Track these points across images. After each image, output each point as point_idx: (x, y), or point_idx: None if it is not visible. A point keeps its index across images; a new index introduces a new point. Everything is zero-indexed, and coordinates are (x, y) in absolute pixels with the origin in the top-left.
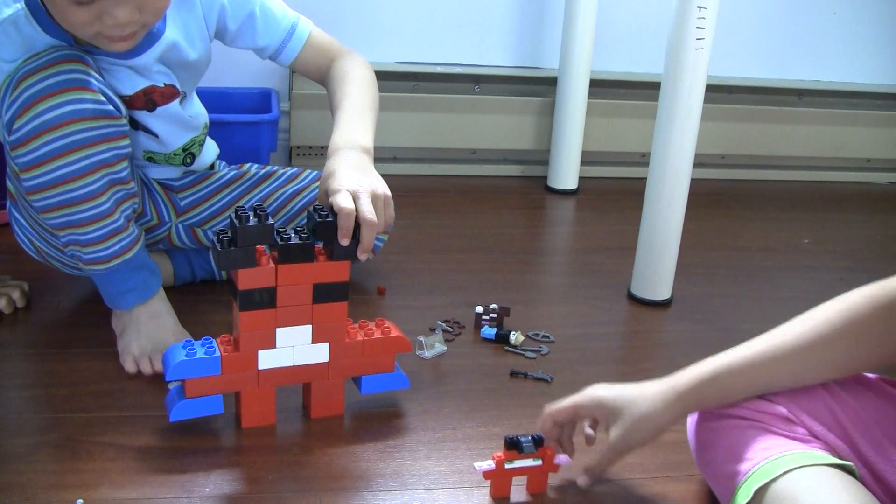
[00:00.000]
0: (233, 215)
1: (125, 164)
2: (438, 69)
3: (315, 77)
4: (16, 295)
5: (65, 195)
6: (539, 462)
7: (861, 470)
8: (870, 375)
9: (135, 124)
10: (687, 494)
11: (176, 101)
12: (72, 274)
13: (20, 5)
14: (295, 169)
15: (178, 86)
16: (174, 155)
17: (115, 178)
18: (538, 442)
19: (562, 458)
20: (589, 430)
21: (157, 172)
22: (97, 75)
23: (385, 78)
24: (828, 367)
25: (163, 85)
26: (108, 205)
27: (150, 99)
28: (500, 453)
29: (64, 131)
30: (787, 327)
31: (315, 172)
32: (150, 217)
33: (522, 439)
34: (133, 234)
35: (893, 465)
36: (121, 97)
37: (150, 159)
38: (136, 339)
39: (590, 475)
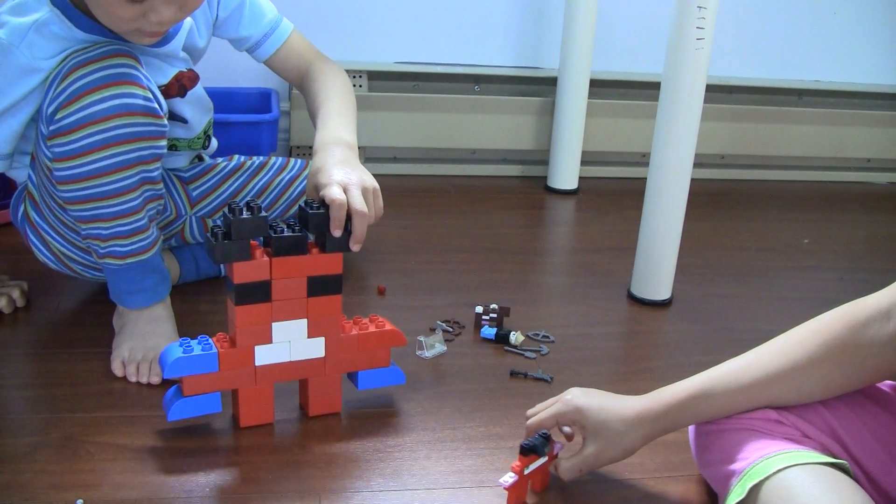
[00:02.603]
0: (226, 209)
1: (158, 163)
2: (438, 69)
3: (290, 78)
4: (16, 295)
5: (97, 188)
6: (545, 458)
7: (855, 469)
8: (882, 385)
9: None
10: (687, 494)
11: (199, 84)
12: (93, 279)
13: (48, 6)
14: (282, 159)
15: (195, 70)
16: (197, 139)
17: (148, 176)
18: (548, 439)
19: (556, 446)
20: (567, 429)
21: (170, 162)
22: (145, 72)
23: (385, 78)
24: (805, 392)
25: (186, 70)
26: (137, 202)
27: (182, 84)
28: (516, 463)
29: (108, 125)
30: (765, 350)
31: (301, 161)
32: (169, 212)
33: (538, 442)
34: (153, 236)
35: (889, 473)
36: (158, 87)
37: (172, 147)
38: (129, 341)
39: (557, 473)
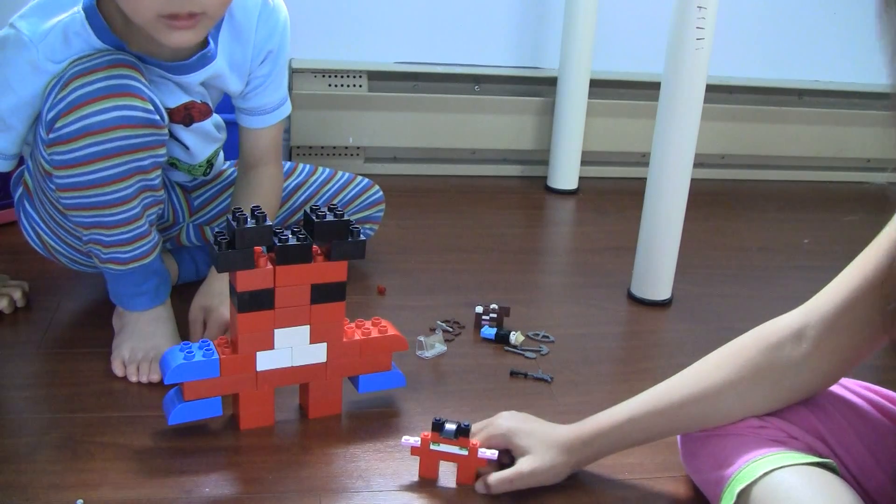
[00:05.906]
0: (230, 217)
1: (159, 171)
2: (438, 69)
3: (245, 156)
4: (17, 295)
5: (98, 197)
6: (465, 452)
7: (840, 468)
8: (868, 389)
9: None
10: (687, 494)
11: (209, 119)
12: (75, 269)
13: (77, 8)
14: (289, 164)
15: (211, 105)
16: (199, 166)
17: (148, 184)
18: (461, 431)
19: (487, 454)
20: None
21: (170, 175)
22: (146, 82)
23: (385, 78)
24: (723, 413)
25: (200, 102)
26: (137, 209)
27: (189, 114)
28: (426, 433)
29: (109, 136)
30: (685, 373)
31: (309, 167)
32: (167, 218)
33: (446, 423)
34: (154, 240)
35: (873, 474)
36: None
37: (172, 164)
38: (130, 341)
39: (487, 489)
